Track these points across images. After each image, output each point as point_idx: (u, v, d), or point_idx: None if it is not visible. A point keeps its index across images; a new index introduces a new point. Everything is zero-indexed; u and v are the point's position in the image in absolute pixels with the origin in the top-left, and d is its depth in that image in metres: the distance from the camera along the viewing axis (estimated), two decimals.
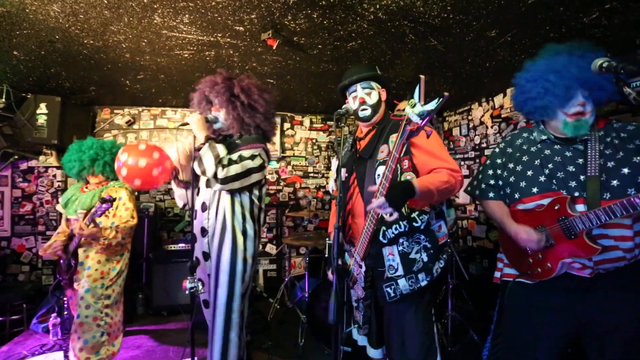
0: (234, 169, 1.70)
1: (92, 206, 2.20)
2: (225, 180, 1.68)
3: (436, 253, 1.50)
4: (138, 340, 2.93)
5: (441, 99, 1.07)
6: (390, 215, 1.28)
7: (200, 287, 1.62)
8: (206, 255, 1.85)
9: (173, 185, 1.94)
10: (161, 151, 1.81)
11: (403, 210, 1.48)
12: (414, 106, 1.15)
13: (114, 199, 2.00)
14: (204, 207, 1.85)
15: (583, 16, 1.94)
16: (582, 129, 1.31)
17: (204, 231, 1.85)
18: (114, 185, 2.32)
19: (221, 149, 1.74)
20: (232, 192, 1.81)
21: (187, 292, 1.58)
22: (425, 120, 1.13)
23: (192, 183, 1.80)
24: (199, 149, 1.71)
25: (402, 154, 1.26)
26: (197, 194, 1.90)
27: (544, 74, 1.34)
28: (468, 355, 2.59)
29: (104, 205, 1.97)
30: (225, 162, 1.70)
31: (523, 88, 1.42)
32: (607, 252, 1.23)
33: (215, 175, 1.67)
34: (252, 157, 1.79)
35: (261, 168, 1.82)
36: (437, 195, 1.38)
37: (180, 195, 1.95)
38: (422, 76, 1.15)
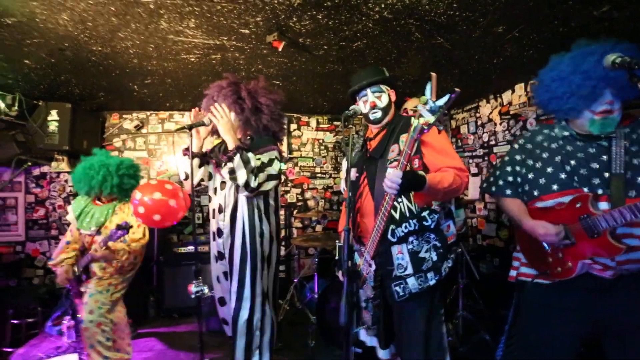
0: (262, 178, 1.75)
1: (105, 222, 2.21)
2: (255, 189, 1.73)
3: (445, 252, 1.50)
4: (149, 343, 2.96)
5: (452, 95, 1.08)
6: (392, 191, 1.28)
7: (207, 290, 1.63)
8: (221, 255, 1.92)
9: (182, 156, 1.93)
10: (172, 183, 1.83)
11: (413, 208, 1.48)
12: (425, 103, 1.16)
13: (131, 226, 1.97)
14: (220, 209, 1.90)
15: (592, 9, 1.90)
16: (609, 126, 1.27)
17: (219, 232, 1.90)
18: (127, 200, 2.29)
19: (252, 160, 1.74)
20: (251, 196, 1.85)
21: (192, 296, 1.59)
22: (438, 116, 1.14)
23: (191, 188, 1.69)
24: (229, 157, 1.70)
25: (413, 151, 1.27)
26: (215, 194, 1.95)
27: (570, 75, 1.29)
28: (479, 355, 2.56)
29: (119, 232, 1.93)
30: (255, 172, 1.73)
31: (548, 87, 1.37)
32: (632, 252, 1.19)
33: (246, 185, 1.71)
34: (271, 162, 1.83)
35: (279, 173, 1.86)
36: (442, 195, 1.38)
37: (185, 166, 1.93)
38: (433, 74, 1.17)
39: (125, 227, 1.94)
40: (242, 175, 1.70)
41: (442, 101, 1.12)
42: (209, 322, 2.98)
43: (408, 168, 1.46)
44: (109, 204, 2.29)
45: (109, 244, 2.01)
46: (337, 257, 1.73)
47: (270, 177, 1.80)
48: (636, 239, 1.19)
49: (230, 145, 1.74)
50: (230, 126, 1.78)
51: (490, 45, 2.37)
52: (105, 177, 2.19)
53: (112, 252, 2.06)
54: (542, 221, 1.34)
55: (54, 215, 3.83)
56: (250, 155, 1.75)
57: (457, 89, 1.08)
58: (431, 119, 1.16)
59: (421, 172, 1.35)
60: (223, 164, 1.75)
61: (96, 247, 2.02)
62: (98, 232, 2.19)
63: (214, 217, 1.95)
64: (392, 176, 1.26)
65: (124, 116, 4.07)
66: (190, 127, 1.76)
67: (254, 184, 1.71)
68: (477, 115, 3.83)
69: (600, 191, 1.24)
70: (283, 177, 4.38)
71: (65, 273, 2.21)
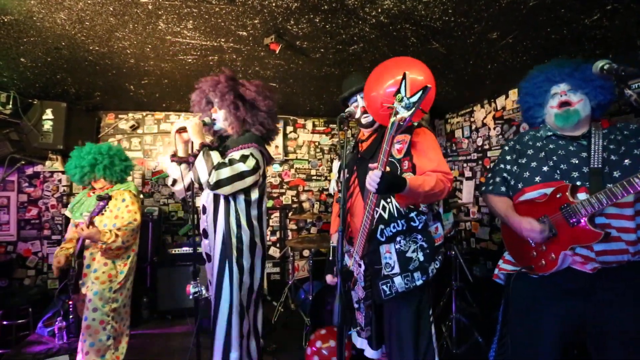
0: (224, 173, 1.65)
1: None
2: (216, 185, 1.64)
3: (432, 253, 1.52)
4: (143, 344, 2.94)
5: (425, 90, 1.14)
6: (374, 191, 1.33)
7: (204, 291, 1.63)
8: (209, 257, 1.86)
9: (170, 162, 1.89)
10: None
11: (402, 209, 1.51)
12: (401, 100, 1.20)
13: (110, 197, 2.03)
14: (204, 210, 1.84)
15: (584, 18, 1.95)
16: (571, 118, 1.40)
17: (205, 233, 1.85)
18: (118, 188, 2.35)
19: (215, 157, 1.70)
20: (227, 197, 1.75)
21: (190, 296, 1.60)
22: (412, 111, 1.19)
23: (191, 188, 1.75)
24: (195, 156, 1.69)
25: (392, 146, 1.30)
26: (202, 191, 1.88)
27: (527, 93, 1.59)
28: (472, 357, 2.58)
29: (100, 203, 2.01)
30: (217, 167, 1.66)
31: (521, 103, 1.65)
32: (610, 242, 1.24)
33: (206, 182, 1.65)
34: (244, 159, 1.72)
35: (255, 170, 1.74)
36: (423, 198, 1.43)
37: (173, 171, 1.91)
38: (406, 72, 1.22)
39: (105, 198, 1.99)
40: (202, 173, 1.65)
41: (415, 97, 1.17)
42: (202, 322, 2.97)
43: (398, 169, 1.49)
44: (101, 192, 2.33)
45: (95, 222, 2.06)
46: (330, 258, 1.75)
47: (243, 175, 1.69)
48: (613, 230, 1.25)
49: (197, 145, 1.71)
50: (199, 129, 1.75)
51: (484, 51, 2.41)
52: (95, 158, 2.29)
53: (98, 232, 2.07)
54: (529, 218, 1.40)
55: (46, 215, 3.80)
56: (214, 153, 1.70)
57: (428, 85, 1.15)
58: (406, 115, 1.20)
59: (403, 175, 1.39)
60: (192, 165, 1.70)
61: (83, 226, 2.03)
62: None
63: (204, 214, 1.87)
64: (372, 175, 1.30)
65: (120, 116, 4.05)
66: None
67: (211, 179, 1.63)
68: (472, 119, 3.88)
69: (579, 183, 1.32)
70: (278, 179, 4.39)
71: (58, 262, 2.20)
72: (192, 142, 1.76)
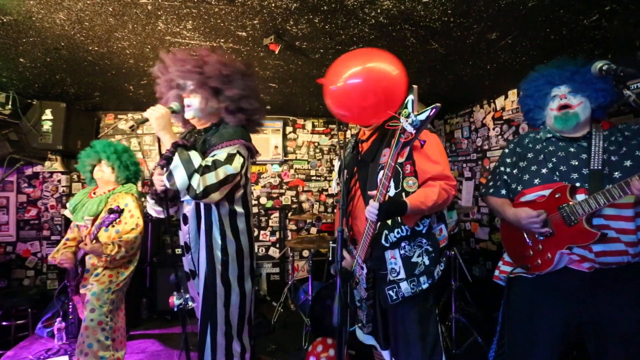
0: (210, 178, 1.40)
1: (99, 213, 2.21)
2: (203, 194, 1.40)
3: (437, 256, 1.52)
4: (142, 344, 2.94)
5: (433, 109, 1.09)
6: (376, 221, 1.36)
7: (191, 303, 1.51)
8: (193, 273, 1.67)
9: (148, 197, 1.70)
10: None
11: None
12: (407, 116, 1.16)
13: (122, 210, 2.00)
14: (185, 220, 1.62)
15: (583, 18, 1.95)
16: (570, 121, 1.40)
17: (187, 247, 1.65)
18: (120, 191, 2.34)
19: (195, 157, 1.42)
20: (208, 204, 1.54)
21: (175, 309, 1.47)
22: (419, 130, 1.15)
23: (165, 198, 1.52)
24: (166, 159, 1.40)
25: (397, 162, 1.29)
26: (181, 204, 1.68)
27: (527, 95, 1.59)
28: (472, 358, 2.58)
29: (111, 216, 1.96)
30: (200, 171, 1.40)
31: (522, 104, 1.65)
32: (609, 243, 1.24)
33: (188, 189, 1.39)
34: (230, 159, 1.48)
35: (241, 169, 1.53)
36: (429, 211, 1.44)
37: (151, 206, 1.70)
38: (414, 86, 1.18)
39: (116, 211, 1.97)
40: (180, 177, 1.37)
41: (423, 115, 1.11)
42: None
43: (400, 174, 1.49)
44: (102, 195, 2.31)
45: (99, 236, 2.02)
46: (330, 258, 1.74)
47: (227, 179, 1.45)
48: (612, 231, 1.25)
49: (167, 144, 1.42)
50: (166, 121, 1.46)
51: (484, 51, 2.41)
52: (110, 144, 2.35)
53: (101, 245, 2.05)
54: (524, 207, 1.41)
55: (46, 215, 3.79)
56: (192, 153, 1.43)
57: (437, 104, 1.08)
58: (412, 132, 1.15)
59: (401, 200, 1.39)
60: (161, 168, 1.42)
61: (85, 241, 2.01)
62: (94, 223, 2.18)
63: (185, 224, 1.64)
64: (370, 207, 1.33)
65: (119, 116, 4.05)
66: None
67: (198, 187, 1.36)
68: (471, 120, 3.88)
69: (578, 184, 1.32)
70: (278, 180, 4.39)
71: (67, 257, 2.20)
72: (160, 140, 1.46)
